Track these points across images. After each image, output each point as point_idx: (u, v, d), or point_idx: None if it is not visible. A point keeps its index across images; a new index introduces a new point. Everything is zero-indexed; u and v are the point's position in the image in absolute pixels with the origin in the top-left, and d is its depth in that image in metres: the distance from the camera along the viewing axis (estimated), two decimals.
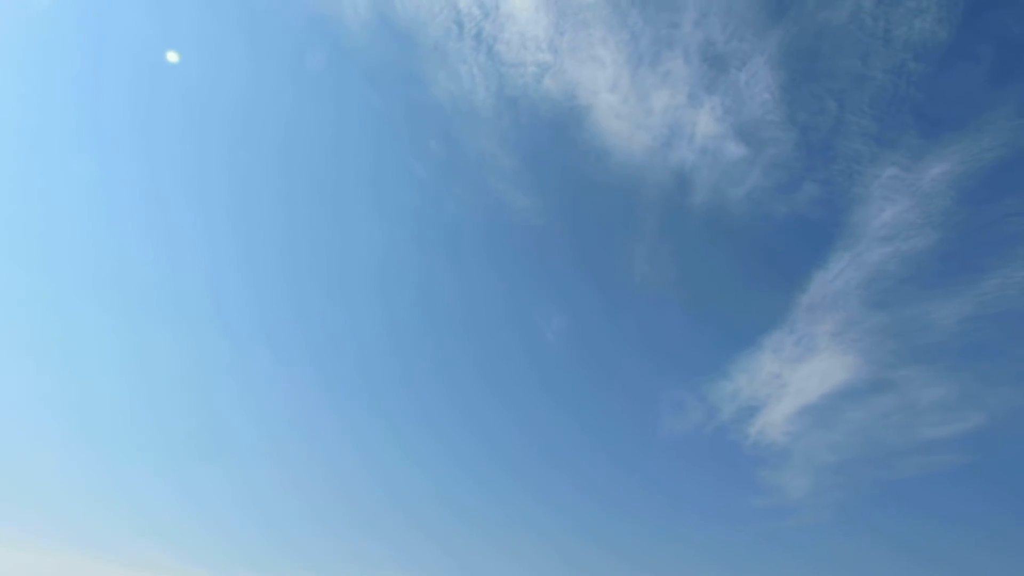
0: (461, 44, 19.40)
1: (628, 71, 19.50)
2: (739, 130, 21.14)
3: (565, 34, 17.61)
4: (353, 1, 18.43)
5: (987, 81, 16.40)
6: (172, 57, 18.74)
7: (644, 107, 20.10)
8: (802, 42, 16.63)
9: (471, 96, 21.68)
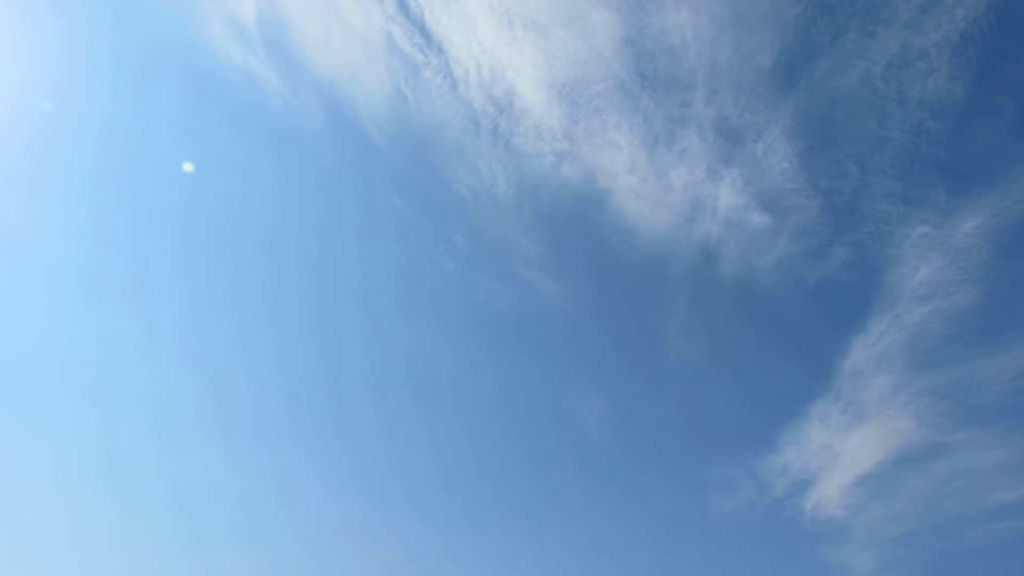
0: (479, 141, 19.84)
1: (644, 152, 19.70)
2: (761, 200, 21.10)
3: (579, 122, 17.94)
4: (371, 110, 19.08)
5: (1009, 133, 16.25)
6: (188, 167, 19.48)
7: (664, 185, 20.20)
8: (816, 110, 16.70)
9: (492, 189, 22.02)
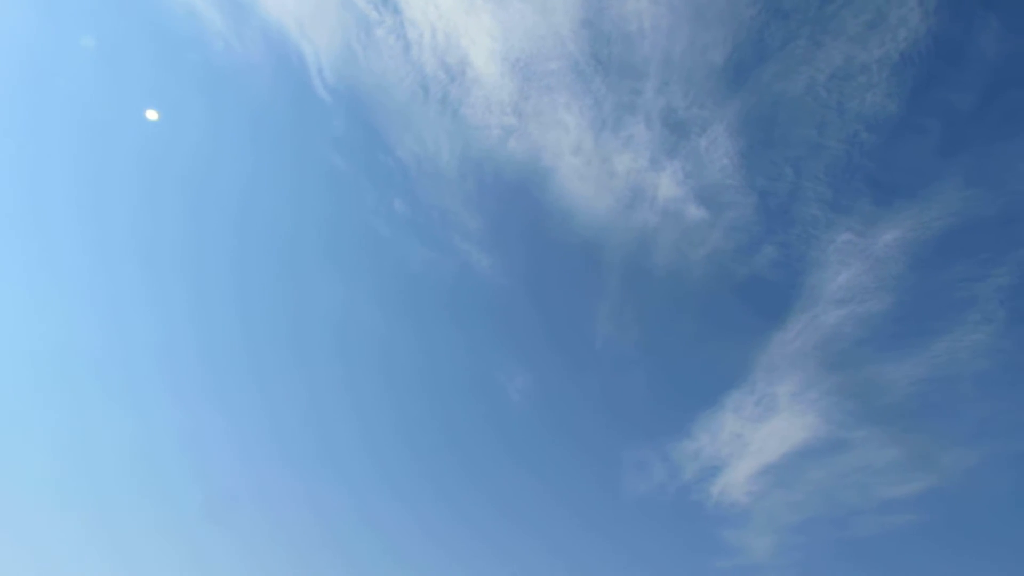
0: (427, 107, 19.56)
1: (591, 135, 19.84)
2: (700, 194, 21.64)
3: (530, 99, 17.89)
4: (318, 64, 18.54)
5: (935, 153, 17.11)
6: (151, 115, 18.69)
7: (607, 170, 20.43)
8: (760, 111, 17.16)
9: (436, 158, 21.80)
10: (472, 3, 17.41)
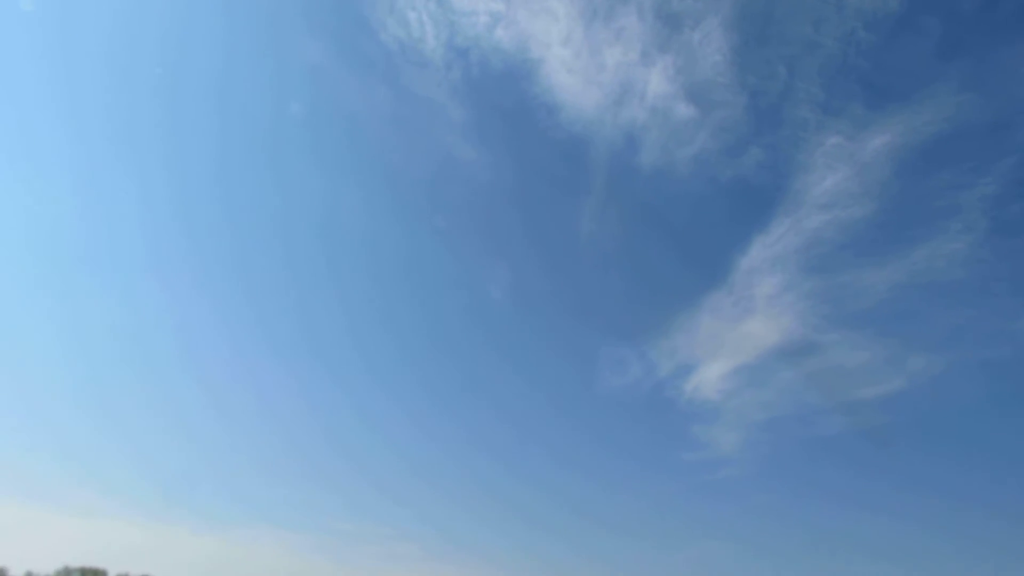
0: None
1: (582, 25, 19.02)
2: (690, 91, 21.00)
3: None
4: None
5: (934, 54, 16.57)
6: None
7: (596, 63, 19.69)
8: (756, 5, 16.45)
9: (421, 44, 20.85)
10: None
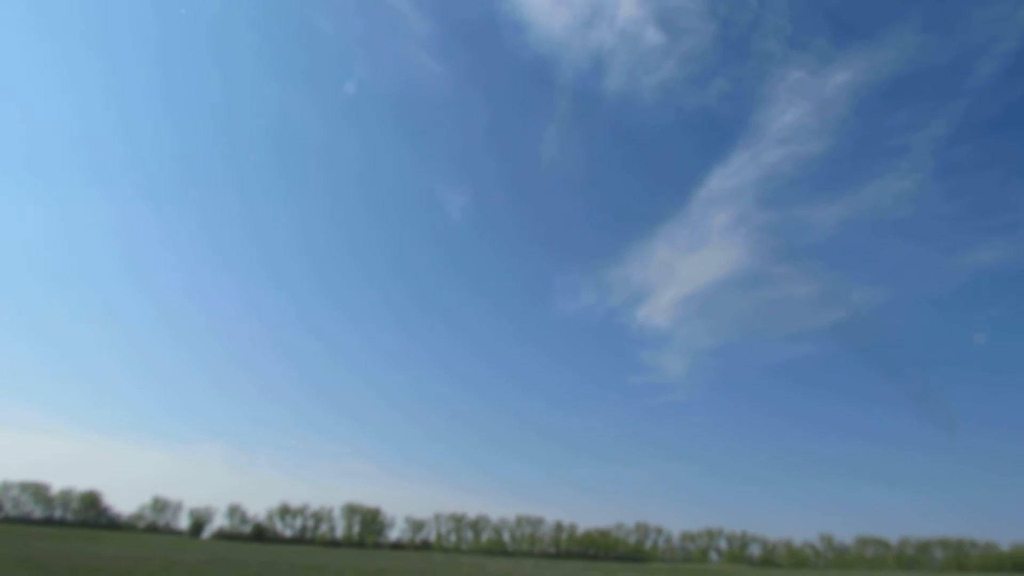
0: None
1: None
2: (660, 16, 21.09)
3: None
4: None
5: None
6: None
7: None
8: None
9: None
10: None
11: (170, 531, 69.54)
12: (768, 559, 72.96)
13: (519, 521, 74.63)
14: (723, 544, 75.67)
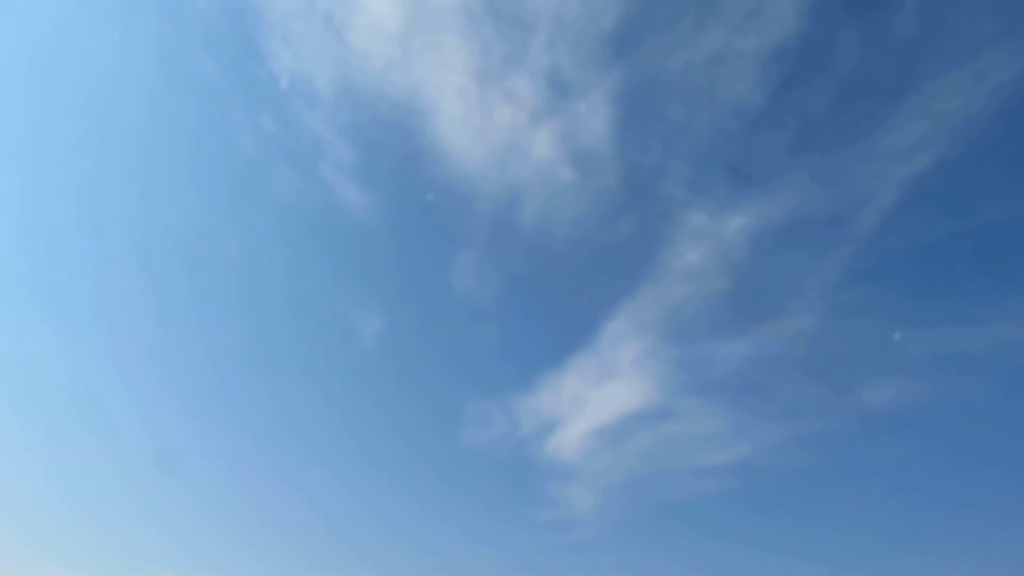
0: (310, 22, 18.55)
1: (475, 82, 19.64)
2: (573, 157, 22.00)
3: (417, 34, 17.37)
4: None
5: (788, 148, 18.42)
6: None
7: (486, 119, 20.31)
8: (639, 84, 17.68)
9: (312, 79, 20.80)
10: None
11: None
12: None
13: None
14: None
